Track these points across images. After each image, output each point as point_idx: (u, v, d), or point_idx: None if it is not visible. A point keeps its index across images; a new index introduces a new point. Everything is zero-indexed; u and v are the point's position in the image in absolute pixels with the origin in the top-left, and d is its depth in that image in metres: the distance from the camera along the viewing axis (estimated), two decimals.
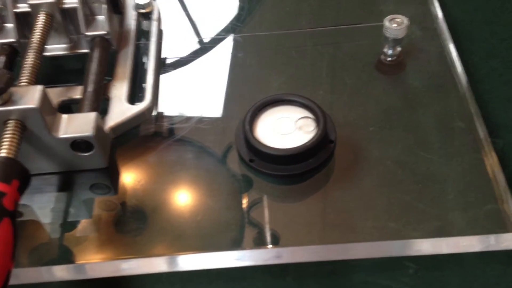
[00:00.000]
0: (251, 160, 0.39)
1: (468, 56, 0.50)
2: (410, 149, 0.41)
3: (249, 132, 0.39)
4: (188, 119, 0.44)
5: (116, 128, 0.41)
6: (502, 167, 0.40)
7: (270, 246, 0.36)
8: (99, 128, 0.38)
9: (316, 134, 0.38)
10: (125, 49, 0.46)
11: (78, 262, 0.37)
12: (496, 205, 0.38)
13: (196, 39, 0.52)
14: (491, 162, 0.40)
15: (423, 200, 0.38)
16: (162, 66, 0.48)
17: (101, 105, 0.42)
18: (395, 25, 0.46)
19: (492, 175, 0.40)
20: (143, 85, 0.45)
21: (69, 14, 0.44)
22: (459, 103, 0.44)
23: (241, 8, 0.54)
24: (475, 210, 0.38)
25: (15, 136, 0.35)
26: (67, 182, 0.40)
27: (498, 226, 0.37)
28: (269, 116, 0.40)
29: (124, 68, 0.45)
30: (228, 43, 0.51)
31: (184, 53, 0.50)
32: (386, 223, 0.37)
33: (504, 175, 0.39)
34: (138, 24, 0.49)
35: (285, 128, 0.39)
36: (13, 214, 0.31)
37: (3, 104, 0.35)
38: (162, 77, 0.48)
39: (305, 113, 0.40)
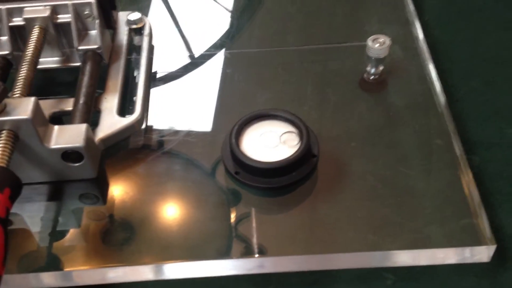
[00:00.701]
0: (236, 173, 0.40)
1: (448, 76, 0.52)
2: (390, 165, 0.43)
3: (235, 146, 0.40)
4: (177, 132, 0.46)
5: (106, 139, 0.42)
6: (478, 183, 0.42)
7: (254, 256, 0.38)
8: (89, 140, 0.39)
9: (300, 148, 0.40)
10: (117, 63, 0.47)
11: (65, 269, 0.38)
12: (471, 219, 0.39)
13: (186, 55, 0.53)
14: (467, 178, 0.42)
15: (401, 213, 0.40)
16: (153, 80, 0.50)
17: (92, 117, 0.43)
18: (377, 45, 0.48)
19: (468, 191, 0.41)
20: (134, 98, 0.46)
21: (62, 28, 0.46)
22: (438, 121, 0.46)
23: (230, 25, 0.56)
24: (451, 224, 0.39)
25: (7, 146, 0.36)
26: (57, 192, 0.41)
27: (473, 239, 0.38)
28: (255, 130, 0.42)
29: (115, 82, 0.46)
30: (217, 59, 0.52)
31: (174, 68, 0.52)
32: (366, 235, 0.39)
33: (479, 191, 0.41)
34: (130, 39, 0.50)
35: (270, 142, 0.41)
36: (5, 221, 0.32)
37: None
38: (152, 91, 0.49)
39: (290, 128, 0.42)
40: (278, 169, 0.39)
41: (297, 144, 0.40)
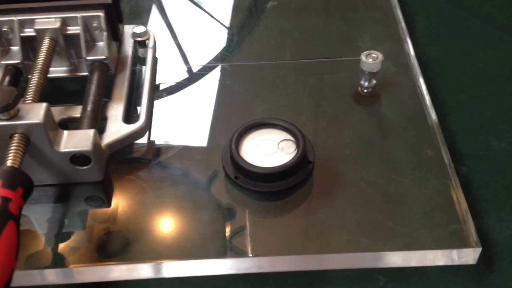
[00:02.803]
0: (236, 177, 0.42)
1: (438, 91, 0.54)
2: (382, 173, 0.45)
3: (235, 152, 0.42)
4: (179, 139, 0.48)
5: (112, 145, 0.44)
6: (465, 192, 0.44)
7: (251, 255, 0.39)
8: (96, 144, 0.41)
9: (296, 155, 0.42)
10: (122, 74, 0.50)
11: (68, 267, 0.39)
12: (459, 225, 0.41)
13: (188, 67, 0.55)
14: (455, 187, 0.44)
15: (393, 219, 0.42)
16: (156, 90, 0.52)
17: (99, 123, 0.45)
18: (370, 60, 0.51)
19: (456, 199, 0.43)
20: (138, 107, 0.48)
21: (71, 39, 0.48)
22: (428, 133, 0.48)
23: (230, 40, 0.58)
24: (440, 229, 0.41)
25: (20, 148, 0.38)
26: (64, 194, 0.43)
27: (460, 244, 0.40)
28: (254, 137, 0.44)
29: (121, 91, 0.48)
30: (217, 71, 0.55)
31: (177, 79, 0.54)
32: (358, 238, 0.41)
33: (467, 199, 0.43)
34: (135, 51, 0.53)
35: (268, 149, 0.43)
36: (17, 219, 0.34)
37: (10, 119, 0.38)
38: (156, 101, 0.51)
39: (287, 136, 0.44)
40: (275, 174, 0.41)
41: (294, 151, 0.43)
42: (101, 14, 0.47)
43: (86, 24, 0.47)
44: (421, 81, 0.52)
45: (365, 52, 0.51)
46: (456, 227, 0.41)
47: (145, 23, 0.60)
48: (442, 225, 0.41)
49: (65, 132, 0.41)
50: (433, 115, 0.49)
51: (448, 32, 0.61)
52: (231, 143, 0.42)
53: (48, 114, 0.39)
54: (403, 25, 0.58)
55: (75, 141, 0.40)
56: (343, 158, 0.46)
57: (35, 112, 0.39)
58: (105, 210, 0.43)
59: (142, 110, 0.47)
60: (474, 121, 0.52)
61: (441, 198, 0.43)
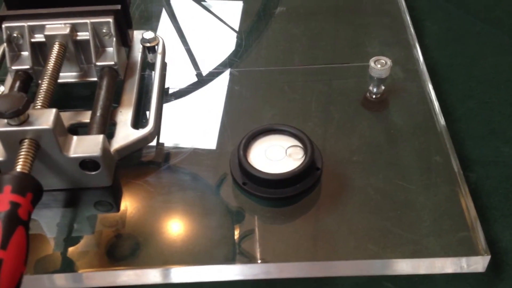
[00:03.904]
0: (244, 183, 0.42)
1: (447, 97, 0.54)
2: (391, 179, 0.45)
3: (243, 158, 0.42)
4: (187, 144, 0.48)
5: (121, 150, 0.44)
6: (474, 199, 0.44)
7: (259, 262, 0.39)
8: (105, 150, 0.42)
9: (304, 161, 0.42)
10: (131, 79, 0.50)
11: (77, 271, 0.39)
12: (468, 232, 0.41)
13: (197, 72, 0.56)
14: (464, 194, 0.43)
15: (401, 225, 0.42)
16: (165, 96, 0.52)
17: (108, 129, 0.45)
18: (379, 65, 0.50)
19: (465, 206, 0.43)
20: (147, 112, 0.48)
21: (81, 45, 0.48)
22: (437, 139, 0.48)
23: (238, 45, 0.59)
24: (448, 236, 0.41)
25: (29, 153, 0.38)
26: (73, 199, 0.43)
27: (469, 252, 0.40)
28: (262, 143, 0.44)
29: (130, 96, 0.48)
30: (226, 77, 0.55)
31: (185, 84, 0.54)
32: (366, 245, 0.41)
33: (476, 206, 0.43)
34: (144, 57, 0.53)
35: (276, 155, 0.43)
36: (27, 224, 0.34)
37: (21, 124, 0.38)
38: (165, 106, 0.51)
39: (295, 142, 0.44)
40: (283, 181, 0.41)
41: (302, 157, 0.43)
42: (110, 20, 0.47)
43: (96, 30, 0.48)
44: (430, 87, 0.52)
45: (374, 58, 0.51)
46: (465, 234, 0.41)
47: (154, 28, 0.61)
48: (451, 232, 0.41)
49: (75, 138, 0.41)
50: (442, 121, 0.49)
51: (457, 37, 0.61)
52: (239, 149, 0.42)
53: (57, 120, 0.39)
54: (412, 30, 0.58)
55: (84, 146, 0.41)
56: (351, 164, 0.46)
57: (44, 118, 0.39)
58: (113, 215, 0.43)
59: (150, 115, 0.47)
60: (483, 127, 0.51)
61: (450, 205, 0.43)
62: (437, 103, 0.51)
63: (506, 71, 0.57)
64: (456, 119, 0.52)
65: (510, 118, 0.52)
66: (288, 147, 0.44)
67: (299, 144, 0.44)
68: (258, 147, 0.44)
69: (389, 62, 0.51)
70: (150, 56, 0.53)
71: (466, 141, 0.50)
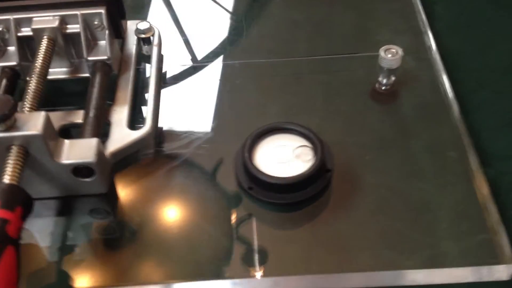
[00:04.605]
0: (250, 188, 0.39)
1: (460, 87, 0.51)
2: (404, 178, 0.42)
3: (248, 160, 0.39)
4: (187, 144, 0.45)
5: (116, 153, 0.41)
6: (494, 197, 0.41)
7: (267, 275, 0.37)
8: (100, 154, 0.39)
9: (314, 163, 0.39)
10: (126, 74, 0.47)
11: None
12: (488, 235, 0.39)
13: (194, 64, 0.52)
14: (483, 192, 0.41)
15: (416, 229, 0.39)
16: (162, 91, 0.49)
17: (102, 130, 0.42)
18: (390, 55, 0.47)
19: (484, 205, 0.40)
20: (144, 110, 0.45)
21: (71, 38, 0.45)
22: (452, 132, 0.45)
23: (238, 34, 0.55)
24: (467, 240, 0.39)
25: (18, 162, 0.35)
26: (67, 207, 0.41)
27: (490, 256, 0.38)
28: (268, 144, 0.41)
29: (125, 93, 0.45)
30: (225, 69, 0.52)
31: (183, 79, 0.51)
32: (380, 252, 0.38)
33: (496, 205, 0.40)
34: (139, 49, 0.50)
35: (284, 157, 0.40)
36: (17, 242, 0.31)
37: (7, 130, 0.35)
38: (162, 102, 0.48)
39: (303, 142, 0.41)
40: (292, 185, 0.38)
41: (311, 159, 0.40)
42: (102, 11, 0.44)
43: (87, 22, 0.44)
44: (444, 77, 0.49)
45: (384, 47, 0.48)
46: (485, 237, 0.39)
47: (147, 16, 0.57)
48: (470, 235, 0.39)
49: (67, 142, 0.38)
50: (457, 114, 0.47)
51: (468, 22, 0.58)
52: (244, 151, 0.40)
53: (47, 124, 0.36)
54: (423, 16, 0.54)
55: (77, 152, 0.38)
56: (362, 163, 0.43)
57: (33, 122, 0.36)
58: (110, 223, 0.40)
59: (148, 114, 0.44)
60: (499, 119, 0.49)
61: (468, 205, 0.41)
62: (452, 93, 0.48)
63: None
64: (470, 110, 0.49)
65: None
66: (296, 148, 0.41)
67: (308, 144, 0.41)
68: (264, 148, 0.41)
69: (400, 51, 0.48)
70: (145, 48, 0.50)
71: (481, 134, 0.47)
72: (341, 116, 0.47)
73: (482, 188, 0.41)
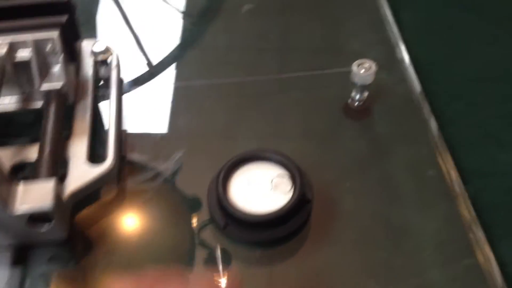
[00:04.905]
0: (225, 226, 0.36)
1: (434, 98, 0.49)
2: (384, 202, 0.41)
3: (223, 196, 0.36)
4: (154, 177, 0.42)
5: (76, 193, 0.38)
6: (477, 216, 0.40)
7: None
8: (58, 198, 0.35)
9: (293, 195, 0.36)
10: (83, 101, 0.43)
11: None
12: (474, 259, 0.37)
13: (162, 87, 0.49)
14: (466, 213, 0.40)
15: (401, 256, 0.38)
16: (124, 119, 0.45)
17: (60, 167, 0.38)
18: (363, 70, 0.45)
19: (468, 227, 0.39)
20: (105, 136, 0.41)
21: (21, 66, 0.41)
22: (429, 149, 0.44)
23: (204, 53, 0.52)
24: (454, 265, 0.37)
25: None
26: (21, 256, 0.37)
27: (479, 281, 0.36)
28: (243, 175, 0.38)
29: (83, 123, 0.42)
30: (189, 91, 0.48)
31: (148, 103, 0.47)
32: (365, 283, 0.36)
33: (480, 225, 0.39)
34: (96, 72, 0.46)
35: (261, 188, 0.37)
36: None
37: None
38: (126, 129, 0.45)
39: (280, 170, 0.38)
40: (272, 221, 0.36)
41: (290, 189, 0.37)
42: (55, 36, 0.40)
43: (38, 48, 0.40)
44: (418, 90, 0.48)
45: (356, 61, 0.46)
46: (472, 261, 0.38)
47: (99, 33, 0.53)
48: (455, 260, 0.38)
49: (20, 187, 0.35)
50: (434, 129, 0.45)
51: (438, 28, 0.57)
52: (218, 185, 0.37)
53: None
54: (394, 26, 0.52)
55: (32, 197, 0.34)
56: (339, 187, 0.42)
57: None
58: (71, 272, 0.37)
59: (109, 147, 0.40)
60: (476, 132, 0.48)
61: (451, 227, 0.39)
62: (428, 107, 0.47)
63: (493, 65, 0.53)
64: (445, 123, 0.48)
65: (504, 120, 0.48)
66: (274, 178, 0.38)
67: (285, 172, 0.38)
68: (239, 180, 0.38)
69: (373, 66, 0.45)
70: (103, 71, 0.46)
71: (459, 149, 0.46)
72: (315, 137, 0.45)
73: (465, 208, 0.40)
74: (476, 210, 0.41)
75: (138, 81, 0.49)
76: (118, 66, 0.46)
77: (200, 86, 0.49)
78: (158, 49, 0.52)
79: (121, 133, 0.42)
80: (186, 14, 0.56)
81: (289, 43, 0.53)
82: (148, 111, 0.47)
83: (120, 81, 0.46)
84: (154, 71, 0.50)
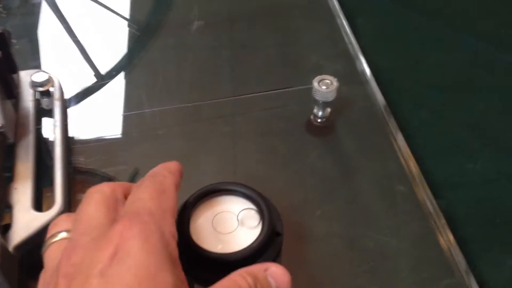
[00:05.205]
0: (188, 270, 0.33)
1: (397, 108, 0.48)
2: (356, 224, 0.39)
3: (185, 236, 0.33)
4: None
5: (22, 245, 0.34)
6: (451, 232, 0.38)
7: None
8: (3, 253, 0.31)
9: (262, 230, 0.34)
10: (25, 140, 0.39)
11: None
12: (453, 279, 0.36)
13: (109, 116, 0.46)
14: (441, 229, 0.39)
15: (376, 281, 0.36)
16: (72, 154, 0.42)
17: (3, 217, 0.35)
18: (324, 87, 0.43)
19: (444, 244, 0.38)
20: (52, 178, 0.38)
21: None
22: (396, 163, 0.43)
23: (154, 78, 0.49)
24: (431, 287, 0.36)
25: None
26: None
27: None
28: (206, 212, 0.35)
29: (26, 165, 0.38)
30: (143, 119, 0.45)
31: (95, 134, 0.44)
32: None
33: (456, 241, 0.38)
34: (37, 105, 0.42)
35: (226, 225, 0.34)
36: None
37: None
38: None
39: (246, 203, 0.35)
40: (241, 261, 0.33)
41: (258, 224, 0.34)
42: None
43: None
44: (381, 102, 0.46)
45: (317, 77, 0.44)
46: (450, 282, 0.37)
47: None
48: (433, 281, 0.36)
49: None
50: (400, 141, 0.44)
51: (394, 34, 0.55)
52: (178, 225, 0.33)
53: None
54: (352, 38, 0.51)
55: None
56: (308, 211, 0.40)
57: None
58: None
59: (56, 190, 0.37)
60: (443, 141, 0.47)
61: (427, 246, 0.38)
62: (392, 119, 0.45)
63: (453, 70, 0.52)
64: (411, 134, 0.47)
65: (469, 127, 0.47)
66: (239, 212, 0.35)
67: (252, 206, 0.35)
68: (202, 218, 0.35)
69: (335, 81, 0.44)
70: (45, 102, 0.43)
71: (426, 161, 0.45)
72: (279, 159, 0.43)
73: (439, 224, 0.39)
74: (450, 224, 0.40)
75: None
76: (61, 97, 0.43)
77: (152, 113, 0.45)
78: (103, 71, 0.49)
79: (68, 173, 0.39)
80: (133, 31, 0.53)
81: (244, 60, 0.50)
82: (100, 147, 0.43)
83: (64, 113, 0.42)
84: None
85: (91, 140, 0.44)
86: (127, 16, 0.54)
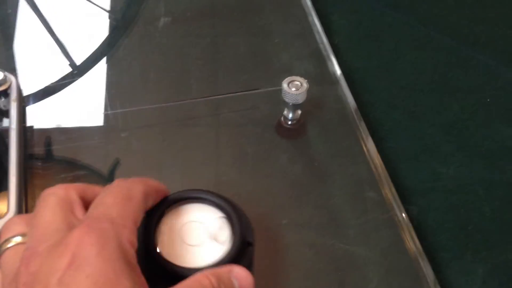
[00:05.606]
0: (155, 284, 0.31)
1: (370, 110, 0.47)
2: (326, 232, 0.39)
3: (151, 250, 0.31)
4: None
5: None
6: (419, 239, 0.38)
7: None
8: None
9: (233, 241, 0.32)
10: None
11: None
12: None
13: (71, 117, 0.44)
14: (409, 238, 0.38)
15: None
16: (30, 160, 0.40)
17: None
18: (294, 88, 0.42)
19: (413, 253, 0.37)
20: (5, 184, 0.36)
21: None
22: (367, 168, 0.42)
23: (120, 77, 0.47)
24: None
25: None
26: None
27: None
28: (173, 222, 0.33)
29: None
30: (107, 121, 0.43)
31: (57, 139, 0.42)
32: None
33: (424, 249, 0.37)
34: None
35: (195, 237, 0.33)
36: None
37: None
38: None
39: (215, 212, 0.34)
40: None
41: (228, 235, 0.33)
42: None
43: None
44: (352, 104, 0.45)
45: (287, 79, 0.43)
46: None
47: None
48: None
49: None
50: (370, 146, 0.43)
51: (369, 32, 0.54)
52: (143, 238, 0.31)
53: None
54: (324, 38, 0.49)
55: None
56: (277, 216, 0.39)
57: None
58: None
59: (10, 197, 0.35)
60: (415, 144, 0.46)
61: (396, 255, 0.38)
62: (363, 123, 0.44)
63: (427, 70, 0.51)
64: (383, 136, 0.46)
65: (442, 129, 0.47)
66: (209, 222, 0.33)
67: (222, 214, 0.34)
68: (169, 229, 0.33)
69: (305, 83, 0.42)
70: (2, 102, 0.40)
71: (398, 165, 0.44)
72: (248, 162, 0.43)
73: (408, 234, 0.38)
74: (420, 231, 0.39)
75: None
76: (19, 96, 0.40)
77: (114, 114, 0.44)
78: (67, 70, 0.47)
79: (23, 178, 0.37)
80: (98, 29, 0.51)
81: (213, 60, 0.48)
82: (60, 150, 0.42)
83: (21, 115, 0.40)
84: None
85: (53, 142, 0.42)
86: (95, 12, 0.52)
